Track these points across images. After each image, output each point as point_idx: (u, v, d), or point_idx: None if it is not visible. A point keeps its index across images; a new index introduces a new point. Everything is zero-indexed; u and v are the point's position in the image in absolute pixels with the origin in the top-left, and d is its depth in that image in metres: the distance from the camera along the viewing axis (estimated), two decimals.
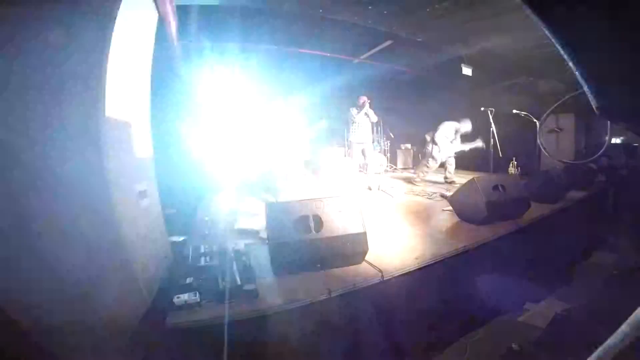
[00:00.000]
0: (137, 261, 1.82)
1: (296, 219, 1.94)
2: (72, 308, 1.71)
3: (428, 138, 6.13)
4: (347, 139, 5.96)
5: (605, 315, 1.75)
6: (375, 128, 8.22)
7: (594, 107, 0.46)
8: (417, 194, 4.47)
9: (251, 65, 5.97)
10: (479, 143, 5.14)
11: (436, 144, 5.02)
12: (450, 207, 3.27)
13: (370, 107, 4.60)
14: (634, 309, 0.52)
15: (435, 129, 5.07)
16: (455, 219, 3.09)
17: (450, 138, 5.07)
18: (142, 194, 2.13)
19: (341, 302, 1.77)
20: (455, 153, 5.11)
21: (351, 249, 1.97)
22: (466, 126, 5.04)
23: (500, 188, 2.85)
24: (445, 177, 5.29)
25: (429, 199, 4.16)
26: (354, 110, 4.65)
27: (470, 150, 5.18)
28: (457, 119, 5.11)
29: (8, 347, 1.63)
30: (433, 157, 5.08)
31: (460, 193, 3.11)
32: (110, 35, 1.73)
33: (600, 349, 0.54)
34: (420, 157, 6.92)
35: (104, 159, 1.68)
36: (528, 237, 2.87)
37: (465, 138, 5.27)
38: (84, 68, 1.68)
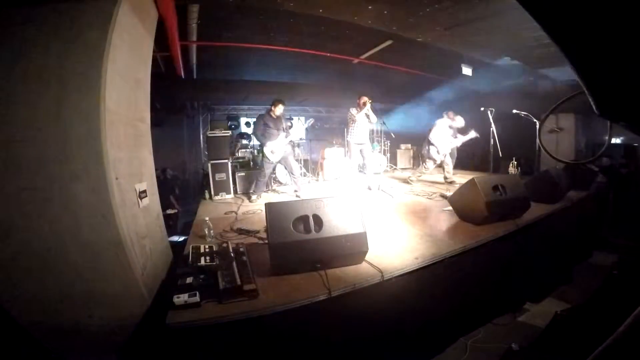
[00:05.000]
0: (137, 261, 1.82)
1: (296, 219, 1.94)
2: (73, 308, 1.71)
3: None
4: (346, 139, 5.96)
5: (605, 315, 1.75)
6: (375, 128, 8.23)
7: (594, 107, 0.46)
8: (417, 194, 4.47)
9: (251, 65, 5.99)
10: (472, 134, 5.14)
11: (432, 145, 5.00)
12: (450, 207, 3.27)
13: (370, 107, 4.59)
14: (634, 309, 0.52)
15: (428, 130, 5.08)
16: (455, 219, 3.09)
17: (446, 137, 5.05)
18: (142, 194, 2.13)
19: (341, 302, 1.78)
20: (451, 150, 5.12)
21: (351, 249, 1.97)
22: (459, 122, 5.05)
23: (500, 188, 2.85)
24: (445, 177, 5.29)
25: (429, 199, 4.16)
26: (353, 111, 4.64)
27: (466, 144, 5.20)
28: (448, 115, 5.12)
29: (8, 347, 1.63)
30: (431, 158, 5.09)
31: (460, 193, 3.11)
32: (111, 34, 1.73)
33: (600, 349, 0.54)
34: (420, 158, 6.95)
35: (105, 158, 1.68)
36: (528, 237, 2.87)
37: (458, 132, 5.27)
38: (84, 67, 1.68)
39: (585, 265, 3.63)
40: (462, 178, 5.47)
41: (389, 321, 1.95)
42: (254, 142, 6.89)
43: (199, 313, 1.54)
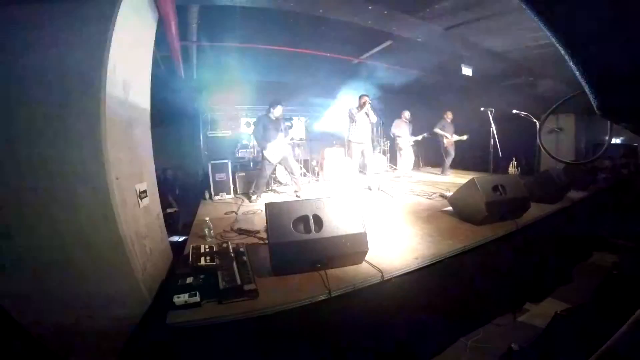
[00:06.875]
0: (137, 261, 1.82)
1: (296, 219, 1.94)
2: (73, 308, 1.71)
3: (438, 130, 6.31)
4: (347, 139, 5.97)
5: (605, 315, 1.75)
6: (375, 128, 8.24)
7: (594, 107, 0.46)
8: (417, 194, 4.47)
9: (251, 65, 5.98)
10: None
11: (398, 136, 5.98)
12: (450, 207, 3.27)
13: (370, 107, 4.60)
14: (634, 309, 0.52)
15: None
16: (455, 219, 3.09)
17: (404, 130, 5.98)
18: (142, 194, 2.13)
19: (341, 302, 1.78)
20: (412, 142, 6.17)
21: (351, 249, 1.97)
22: (406, 114, 6.15)
23: (500, 188, 2.85)
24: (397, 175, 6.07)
25: (429, 199, 4.16)
26: (354, 110, 4.65)
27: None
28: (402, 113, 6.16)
29: (8, 347, 1.63)
30: (401, 149, 6.02)
31: (460, 193, 3.11)
32: (111, 35, 1.73)
33: (601, 350, 0.54)
34: (418, 157, 7.11)
35: (105, 158, 1.68)
36: (528, 237, 2.87)
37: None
38: (84, 68, 1.68)
39: (585, 265, 3.62)
40: (462, 178, 5.49)
41: (389, 321, 1.95)
42: (254, 142, 6.89)
43: (199, 313, 1.54)
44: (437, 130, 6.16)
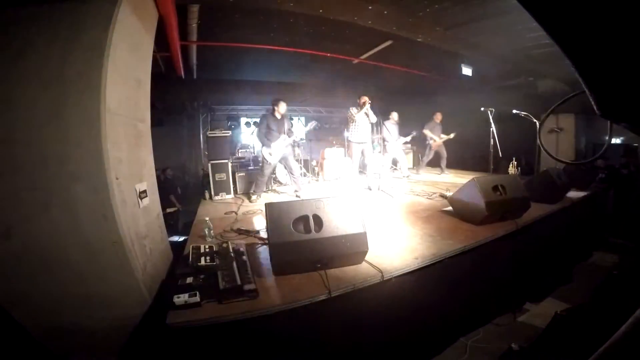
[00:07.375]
0: (137, 261, 1.82)
1: (296, 219, 1.94)
2: (73, 308, 1.71)
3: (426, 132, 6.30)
4: (347, 139, 5.98)
5: (605, 315, 1.75)
6: (375, 128, 8.24)
7: (595, 107, 0.46)
8: (417, 194, 4.47)
9: (251, 65, 5.99)
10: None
11: (386, 141, 5.94)
12: (450, 207, 3.27)
13: (370, 107, 4.61)
14: (634, 309, 0.52)
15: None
16: (455, 219, 3.09)
17: (394, 133, 5.94)
18: (142, 194, 2.13)
19: (341, 302, 1.78)
20: (404, 144, 6.24)
21: (351, 249, 1.97)
22: (394, 116, 6.04)
23: (500, 188, 2.85)
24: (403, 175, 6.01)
25: (429, 199, 4.16)
26: (353, 110, 4.65)
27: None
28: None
29: (8, 347, 1.63)
30: (386, 151, 5.98)
31: (460, 193, 3.11)
32: (111, 35, 1.73)
33: (600, 350, 0.54)
34: (419, 157, 7.11)
35: (105, 158, 1.68)
36: (528, 237, 2.87)
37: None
38: (84, 67, 1.68)
39: (585, 265, 3.63)
40: (462, 178, 5.49)
41: (389, 321, 1.95)
42: (255, 142, 6.89)
43: (199, 313, 1.54)
44: (425, 131, 6.15)
